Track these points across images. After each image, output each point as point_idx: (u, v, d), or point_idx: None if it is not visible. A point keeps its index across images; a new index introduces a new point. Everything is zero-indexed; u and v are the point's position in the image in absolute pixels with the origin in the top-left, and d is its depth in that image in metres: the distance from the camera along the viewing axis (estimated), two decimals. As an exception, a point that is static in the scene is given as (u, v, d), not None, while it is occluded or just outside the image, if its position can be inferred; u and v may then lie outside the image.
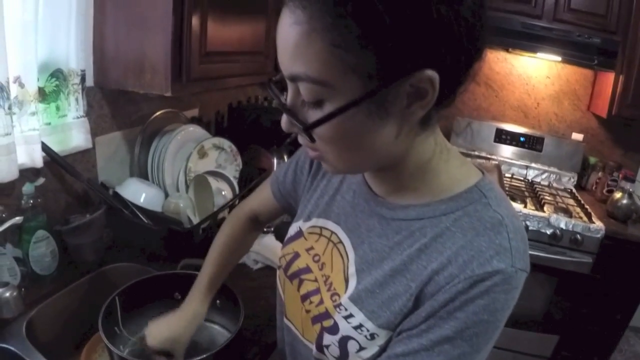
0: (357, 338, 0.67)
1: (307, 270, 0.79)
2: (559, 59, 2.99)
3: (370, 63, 0.52)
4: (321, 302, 0.74)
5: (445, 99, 0.58)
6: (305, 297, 0.78)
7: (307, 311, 0.77)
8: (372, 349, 0.66)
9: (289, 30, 0.53)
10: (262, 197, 1.06)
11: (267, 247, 1.54)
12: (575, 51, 2.74)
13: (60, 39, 1.34)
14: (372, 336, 0.66)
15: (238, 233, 1.08)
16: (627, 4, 2.68)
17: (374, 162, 0.65)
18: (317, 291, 0.76)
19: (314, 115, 0.57)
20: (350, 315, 0.68)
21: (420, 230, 0.66)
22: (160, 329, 0.95)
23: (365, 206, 0.75)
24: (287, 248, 0.86)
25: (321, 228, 0.81)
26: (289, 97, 0.60)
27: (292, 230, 0.88)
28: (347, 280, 0.71)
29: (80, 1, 1.33)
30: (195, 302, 1.00)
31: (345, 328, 0.68)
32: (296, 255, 0.83)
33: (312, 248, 0.81)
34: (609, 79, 2.88)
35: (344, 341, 0.68)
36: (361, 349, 0.67)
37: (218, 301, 1.13)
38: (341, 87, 0.53)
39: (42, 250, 1.26)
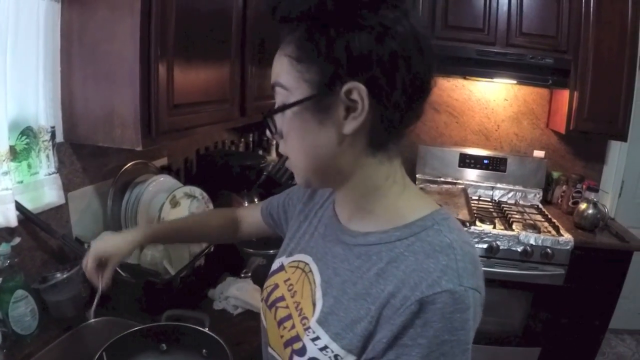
0: None
1: (282, 298, 0.85)
2: (515, 82, 3.12)
3: (316, 74, 0.67)
4: (293, 326, 0.79)
5: (390, 124, 0.70)
6: (280, 323, 0.83)
7: (282, 336, 0.81)
8: None
9: (277, 54, 0.73)
10: (250, 209, 1.25)
11: (246, 291, 1.54)
12: (530, 73, 2.87)
13: (29, 97, 1.34)
14: (336, 358, 0.70)
15: (215, 212, 1.29)
16: (575, 24, 2.81)
17: (321, 170, 0.75)
18: (290, 317, 0.81)
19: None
20: (317, 338, 0.73)
21: (377, 255, 0.72)
22: (105, 241, 1.14)
23: (333, 236, 0.83)
24: (269, 281, 0.93)
25: (298, 261, 0.88)
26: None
27: (275, 265, 0.95)
28: (314, 304, 0.77)
29: (47, 58, 1.35)
30: (139, 232, 1.17)
31: (312, 350, 0.73)
32: (275, 286, 0.89)
33: (289, 279, 0.87)
34: (564, 96, 2.99)
35: None
36: None
37: (205, 350, 1.15)
38: (296, 91, 0.69)
39: (22, 310, 1.24)
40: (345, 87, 0.66)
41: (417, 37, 0.67)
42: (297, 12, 0.67)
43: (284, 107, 0.71)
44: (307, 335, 0.75)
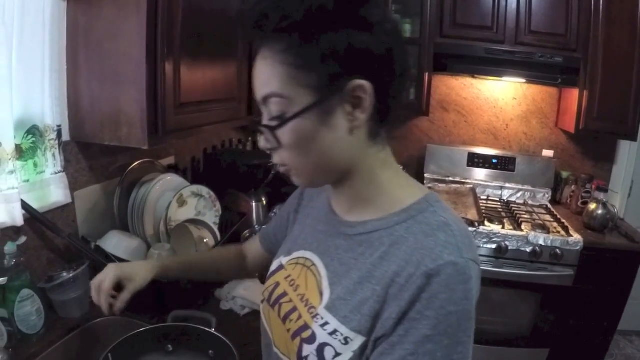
0: (332, 344, 0.73)
1: (284, 294, 0.87)
2: (524, 80, 3.09)
3: (315, 79, 0.68)
4: (300, 317, 0.81)
5: (385, 115, 0.74)
6: (285, 318, 0.84)
7: (288, 330, 0.82)
8: (347, 354, 0.72)
9: (261, 64, 0.72)
10: (251, 242, 1.25)
11: (253, 291, 1.53)
12: (539, 72, 2.84)
13: (35, 96, 1.34)
14: (346, 340, 0.72)
15: (224, 250, 1.29)
16: (585, 22, 2.77)
17: (329, 169, 0.77)
18: (295, 309, 0.83)
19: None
20: (326, 323, 0.75)
21: (378, 240, 0.75)
22: (127, 265, 1.11)
23: (332, 231, 0.86)
24: (269, 281, 0.94)
25: (298, 258, 0.90)
26: (263, 119, 0.75)
27: (274, 266, 0.96)
28: (321, 294, 0.79)
29: (53, 57, 1.35)
30: (158, 262, 1.17)
31: (322, 335, 0.74)
32: (276, 285, 0.91)
33: (289, 276, 0.89)
34: (573, 95, 2.96)
35: (321, 349, 0.74)
36: (337, 354, 0.72)
37: (211, 351, 1.14)
38: (296, 99, 0.69)
39: (28, 309, 1.24)
40: (350, 85, 0.69)
41: (399, 31, 0.73)
42: (291, 21, 0.67)
43: (291, 117, 0.70)
44: (316, 322, 0.76)
